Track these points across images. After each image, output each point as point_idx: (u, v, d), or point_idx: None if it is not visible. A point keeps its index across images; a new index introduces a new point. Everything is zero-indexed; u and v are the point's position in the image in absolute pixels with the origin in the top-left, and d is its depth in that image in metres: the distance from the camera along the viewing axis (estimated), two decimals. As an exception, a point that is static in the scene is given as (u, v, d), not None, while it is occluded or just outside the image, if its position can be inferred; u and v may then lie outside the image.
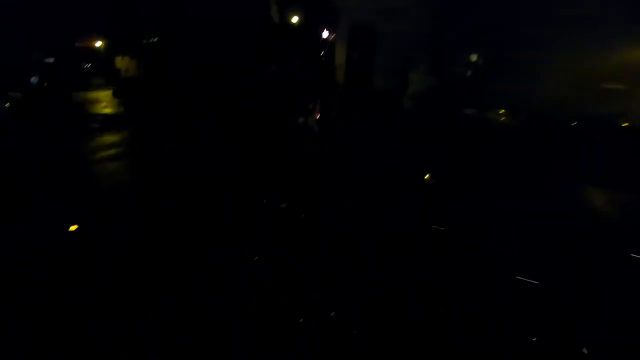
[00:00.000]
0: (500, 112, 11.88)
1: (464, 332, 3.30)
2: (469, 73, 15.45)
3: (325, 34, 22.64)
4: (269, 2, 20.75)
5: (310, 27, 22.90)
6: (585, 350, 3.22)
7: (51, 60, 21.19)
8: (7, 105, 9.84)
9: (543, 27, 13.02)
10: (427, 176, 7.05)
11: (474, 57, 15.31)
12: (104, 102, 18.16)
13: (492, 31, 14.14)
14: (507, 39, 13.84)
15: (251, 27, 20.74)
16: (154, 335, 2.89)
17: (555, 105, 11.22)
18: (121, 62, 20.54)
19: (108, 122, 13.01)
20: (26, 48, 19.92)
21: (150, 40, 19.36)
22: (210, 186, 7.08)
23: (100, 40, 23.22)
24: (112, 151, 9.28)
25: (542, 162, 9.40)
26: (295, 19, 22.33)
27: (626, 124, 9.66)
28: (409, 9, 16.66)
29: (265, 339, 2.94)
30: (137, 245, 4.19)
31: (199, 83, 18.04)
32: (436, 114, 13.42)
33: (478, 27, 14.45)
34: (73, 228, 5.03)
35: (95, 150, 9.26)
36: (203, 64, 19.15)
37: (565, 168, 8.85)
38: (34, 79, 18.98)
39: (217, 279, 3.62)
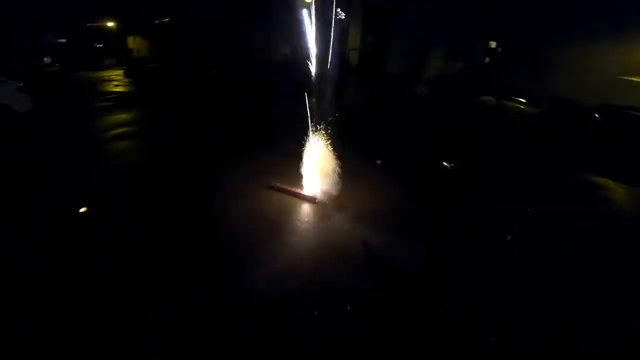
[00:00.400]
0: (519, 101, 11.44)
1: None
2: (487, 60, 14.91)
3: (339, 16, 22.00)
4: (282, -19, 20.17)
5: (323, 9, 22.31)
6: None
7: (63, 40, 21.33)
8: (21, 84, 9.96)
9: (564, 16, 12.40)
10: (446, 163, 7.01)
11: (493, 44, 14.74)
12: (116, 82, 18.23)
13: (513, 18, 13.52)
14: (527, 27, 13.23)
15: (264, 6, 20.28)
16: (154, 335, 2.89)
17: (577, 96, 10.75)
18: (133, 43, 20.53)
19: (119, 101, 13.13)
20: (39, 28, 20.05)
21: (162, 20, 19.24)
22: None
23: (112, 21, 23.23)
24: (123, 129, 9.32)
25: (562, 154, 9.10)
26: (308, -1, 21.70)
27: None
28: (427, -8, 15.98)
29: (265, 339, 2.90)
30: (137, 244, 4.18)
31: (208, 65, 17.87)
32: (453, 101, 13.08)
33: (499, 12, 13.80)
34: (83, 210, 5.07)
35: (106, 129, 9.31)
36: (213, 39, 18.88)
37: (586, 160, 8.53)
38: (46, 59, 19.20)
39: (217, 279, 3.59)
